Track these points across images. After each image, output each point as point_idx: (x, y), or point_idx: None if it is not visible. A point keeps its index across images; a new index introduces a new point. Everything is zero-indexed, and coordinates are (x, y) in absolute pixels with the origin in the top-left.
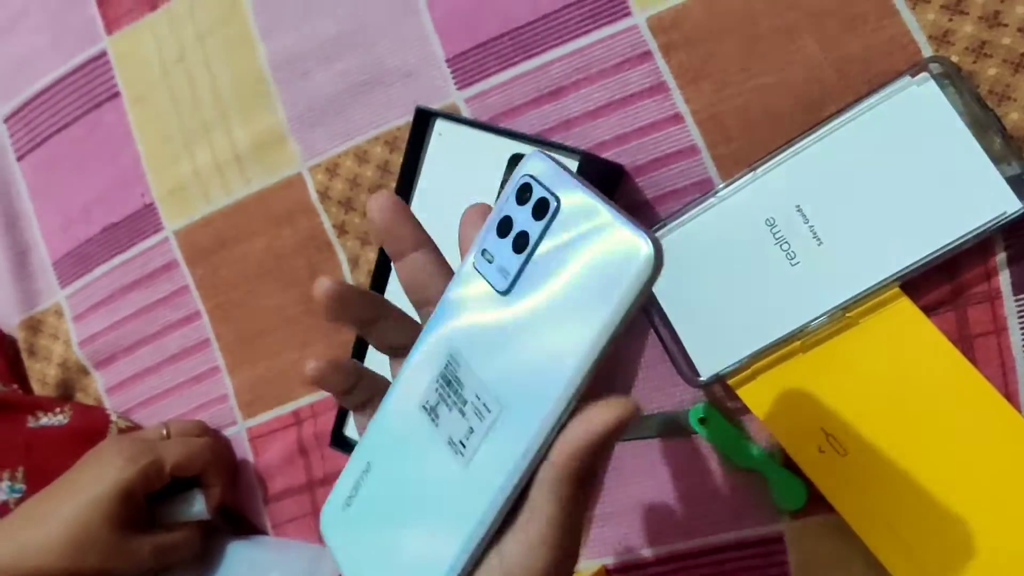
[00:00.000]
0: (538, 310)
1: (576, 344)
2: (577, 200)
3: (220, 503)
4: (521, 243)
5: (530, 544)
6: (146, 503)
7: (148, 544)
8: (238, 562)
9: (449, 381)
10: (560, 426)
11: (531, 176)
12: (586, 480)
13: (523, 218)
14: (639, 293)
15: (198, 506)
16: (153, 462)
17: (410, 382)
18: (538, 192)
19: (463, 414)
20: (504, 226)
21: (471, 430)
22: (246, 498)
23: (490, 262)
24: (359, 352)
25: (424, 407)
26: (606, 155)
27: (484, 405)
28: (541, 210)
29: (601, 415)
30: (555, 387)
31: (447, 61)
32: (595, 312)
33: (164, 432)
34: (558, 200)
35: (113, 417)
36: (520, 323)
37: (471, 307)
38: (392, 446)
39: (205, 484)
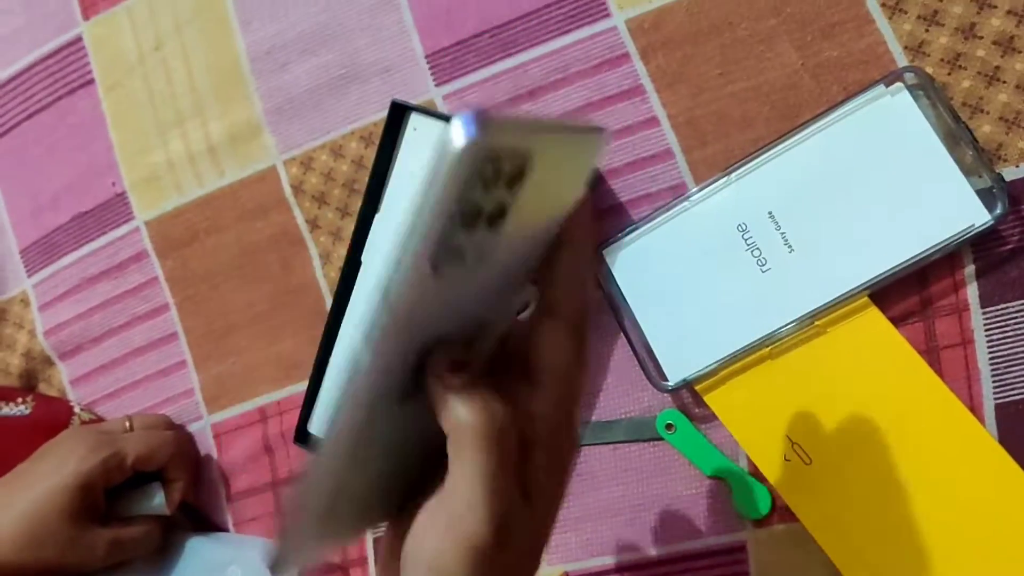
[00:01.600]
0: None
1: None
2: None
3: (182, 499)
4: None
5: (454, 506)
6: (105, 496)
7: (105, 537)
8: (196, 557)
9: None
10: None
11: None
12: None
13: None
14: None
15: (158, 500)
16: (114, 454)
17: None
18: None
19: None
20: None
21: None
22: (208, 495)
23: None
24: (329, 339)
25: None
26: None
27: None
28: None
29: None
30: None
31: (426, 57)
32: None
33: (127, 425)
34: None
35: (76, 409)
36: None
37: None
38: None
39: (167, 479)
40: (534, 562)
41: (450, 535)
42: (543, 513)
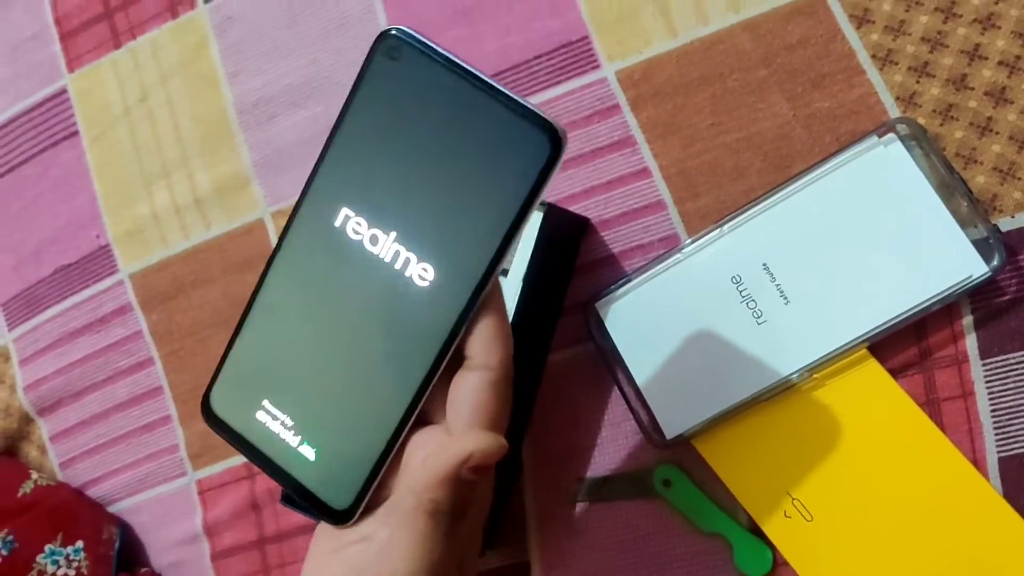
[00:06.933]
0: None
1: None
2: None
3: None
4: None
5: (388, 563)
6: None
7: None
8: None
9: None
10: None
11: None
12: (445, 516)
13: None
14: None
15: None
16: None
17: None
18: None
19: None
20: None
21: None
22: (191, 554)
23: None
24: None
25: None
26: (573, 207)
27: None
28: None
29: (463, 444)
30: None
31: None
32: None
33: None
34: None
35: (33, 475)
36: None
37: None
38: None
39: None
40: None
41: None
42: (469, 558)
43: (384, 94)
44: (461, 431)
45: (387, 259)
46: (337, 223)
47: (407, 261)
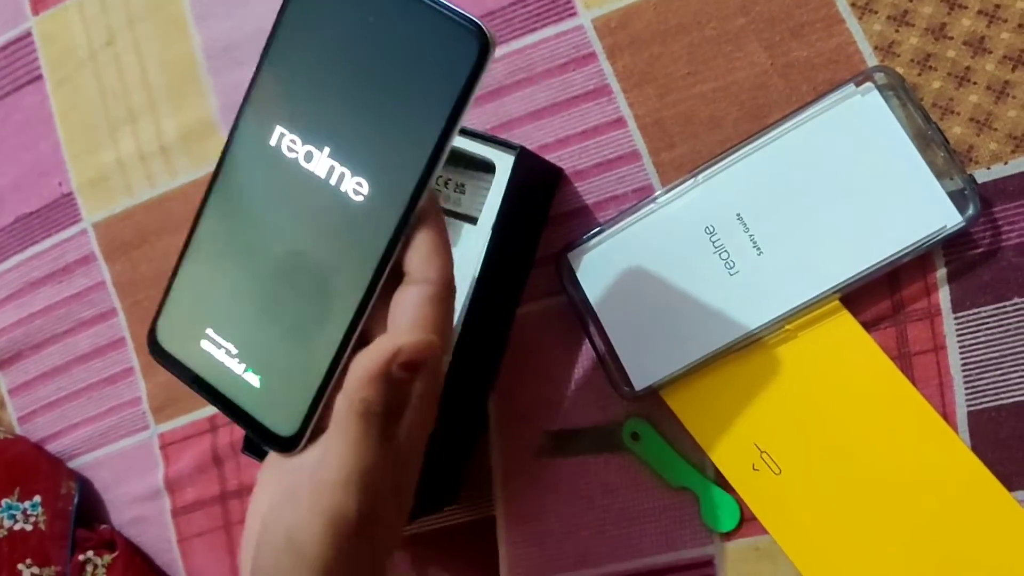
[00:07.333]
0: None
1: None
2: None
3: None
4: None
5: (322, 477)
6: None
7: None
8: None
9: None
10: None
11: None
12: (377, 416)
13: None
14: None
15: None
16: None
17: None
18: None
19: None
20: None
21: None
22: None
23: None
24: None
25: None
26: (547, 157)
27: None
28: None
29: (392, 340)
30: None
31: None
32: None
33: None
34: None
35: None
36: None
37: None
38: None
39: None
40: (395, 537)
41: (316, 506)
42: (407, 488)
43: (310, 9)
44: None
45: (322, 175)
46: (272, 142)
47: (341, 176)
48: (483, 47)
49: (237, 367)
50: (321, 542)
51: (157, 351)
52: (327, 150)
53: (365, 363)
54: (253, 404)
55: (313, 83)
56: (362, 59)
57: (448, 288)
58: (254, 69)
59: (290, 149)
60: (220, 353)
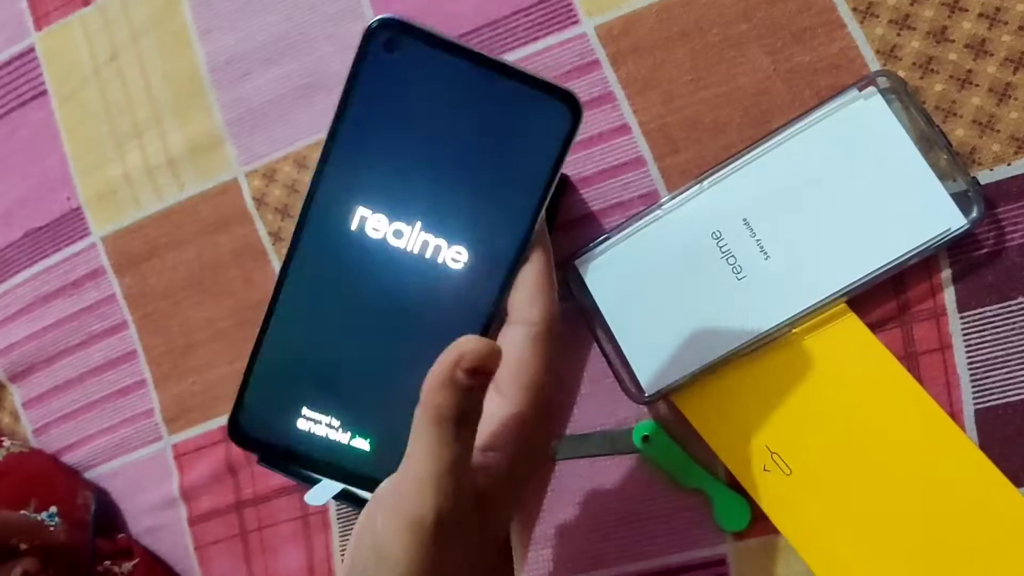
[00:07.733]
0: None
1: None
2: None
3: None
4: None
5: (402, 484)
6: None
7: None
8: None
9: None
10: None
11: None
12: (448, 421)
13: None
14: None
15: None
16: None
17: None
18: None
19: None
20: None
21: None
22: (167, 519)
23: None
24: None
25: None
26: None
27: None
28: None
29: (454, 347)
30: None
31: None
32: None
33: None
34: None
35: (6, 443)
36: None
37: None
38: None
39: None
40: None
41: (396, 511)
42: (497, 526)
43: (384, 87)
44: (507, 391)
45: (415, 250)
46: (354, 225)
47: (438, 248)
48: (576, 115)
49: (343, 436)
50: (400, 545)
51: (244, 440)
52: (419, 224)
53: (432, 374)
54: (368, 466)
55: (394, 160)
56: (446, 131)
57: (551, 329)
58: (324, 140)
59: (375, 229)
60: (320, 428)
